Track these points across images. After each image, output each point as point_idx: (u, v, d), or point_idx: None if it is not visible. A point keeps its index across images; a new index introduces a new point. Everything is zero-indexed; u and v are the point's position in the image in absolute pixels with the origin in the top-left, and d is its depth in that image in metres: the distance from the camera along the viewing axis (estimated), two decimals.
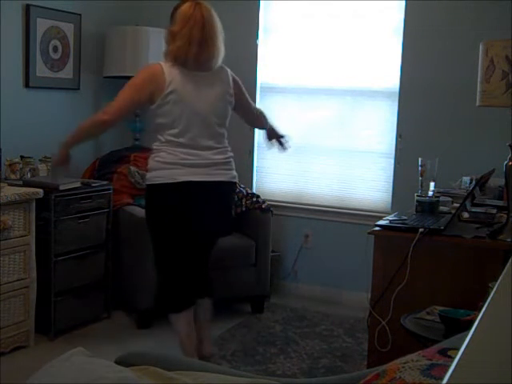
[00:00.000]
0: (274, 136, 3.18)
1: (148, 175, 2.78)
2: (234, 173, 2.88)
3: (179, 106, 2.69)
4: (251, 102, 3.07)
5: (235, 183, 2.94)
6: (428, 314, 2.26)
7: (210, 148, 2.76)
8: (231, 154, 2.89)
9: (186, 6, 2.74)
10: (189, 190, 2.71)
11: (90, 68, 4.34)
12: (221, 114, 2.82)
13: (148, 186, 2.78)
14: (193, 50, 2.69)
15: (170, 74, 2.70)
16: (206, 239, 2.92)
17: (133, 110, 2.81)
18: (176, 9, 2.79)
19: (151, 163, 2.76)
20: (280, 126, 3.20)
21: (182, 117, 2.70)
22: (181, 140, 2.71)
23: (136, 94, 2.72)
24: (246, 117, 3.08)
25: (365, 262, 2.96)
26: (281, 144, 3.19)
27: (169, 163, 2.70)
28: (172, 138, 2.71)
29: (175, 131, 2.71)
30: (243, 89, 2.96)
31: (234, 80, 2.89)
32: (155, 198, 2.77)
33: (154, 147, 2.77)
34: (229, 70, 2.89)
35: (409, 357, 1.21)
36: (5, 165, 3.54)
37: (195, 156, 2.72)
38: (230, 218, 3.03)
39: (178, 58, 2.71)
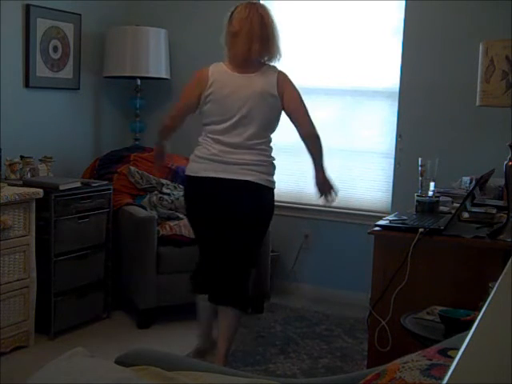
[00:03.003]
0: (325, 186, 2.93)
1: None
2: (266, 176, 2.80)
3: (218, 105, 2.80)
4: (302, 108, 2.85)
5: (266, 186, 2.81)
6: (428, 313, 2.26)
7: (246, 147, 2.79)
8: (267, 158, 2.83)
9: (241, 7, 2.83)
10: (204, 186, 2.81)
11: (90, 68, 4.35)
12: (263, 115, 2.79)
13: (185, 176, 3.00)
14: (254, 47, 2.77)
15: (214, 75, 2.82)
16: (225, 239, 2.85)
17: (188, 111, 2.94)
18: (232, 13, 2.87)
19: (191, 156, 2.93)
20: (280, 126, 3.14)
21: (221, 115, 2.80)
22: (220, 137, 2.80)
23: (186, 99, 2.91)
24: (294, 123, 2.90)
25: (365, 262, 2.96)
26: (327, 196, 2.96)
27: (200, 157, 2.83)
28: (212, 135, 2.83)
29: (213, 128, 2.82)
30: (294, 91, 2.84)
31: (282, 82, 2.82)
32: (185, 188, 3.04)
33: (198, 141, 2.91)
34: (278, 72, 2.85)
35: (409, 357, 1.21)
36: (5, 165, 3.54)
37: (227, 153, 2.78)
38: (257, 223, 2.86)
39: (242, 56, 2.79)
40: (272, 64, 2.88)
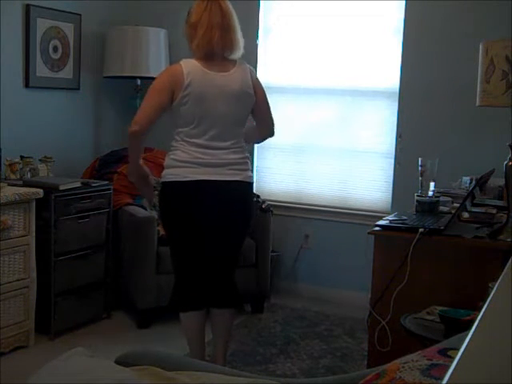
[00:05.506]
0: None
1: (163, 173, 2.78)
2: (250, 173, 2.83)
3: (197, 106, 2.67)
4: (269, 110, 2.91)
5: (251, 183, 2.86)
6: (428, 313, 2.26)
7: (226, 148, 2.74)
8: (247, 154, 2.85)
9: (199, 1, 2.73)
10: (199, 189, 2.69)
11: (90, 68, 4.34)
12: (239, 114, 2.78)
13: (162, 183, 2.79)
14: (216, 36, 2.67)
15: (190, 74, 2.66)
16: (220, 241, 2.83)
17: (159, 113, 2.71)
18: (188, 10, 2.79)
19: (166, 161, 2.76)
20: (280, 126, 3.15)
21: (200, 117, 2.69)
22: (197, 140, 2.70)
23: (158, 99, 2.68)
24: (258, 124, 2.94)
25: (365, 262, 2.96)
26: None
27: (182, 161, 2.69)
28: (189, 138, 2.70)
29: (192, 131, 2.70)
30: (264, 92, 2.87)
31: (255, 80, 2.83)
32: (168, 195, 2.77)
33: (172, 145, 2.76)
34: (250, 69, 2.84)
35: (409, 357, 1.21)
36: (5, 165, 3.54)
37: (210, 156, 2.70)
38: (248, 221, 2.89)
39: (203, 47, 2.68)
40: (237, 59, 2.79)
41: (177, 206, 2.75)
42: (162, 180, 2.77)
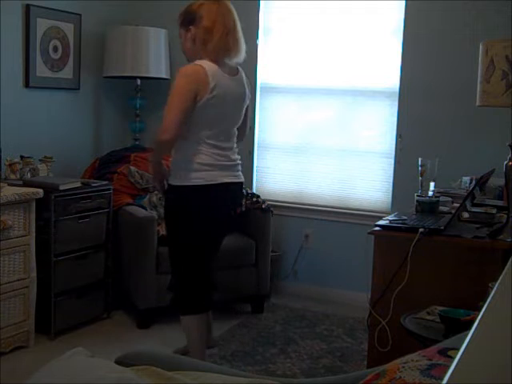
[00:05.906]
0: None
1: (183, 175, 2.73)
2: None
3: (219, 108, 2.70)
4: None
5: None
6: (428, 314, 2.26)
7: (231, 148, 2.85)
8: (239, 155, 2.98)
9: (209, 3, 2.74)
10: (220, 191, 2.76)
11: (90, 68, 4.34)
12: (241, 115, 2.89)
13: (183, 186, 2.73)
14: (231, 41, 2.73)
15: (214, 76, 2.66)
16: (221, 239, 3.01)
17: (187, 117, 2.65)
18: (189, 11, 2.77)
19: (188, 164, 2.71)
20: (280, 126, 3.19)
21: (220, 119, 2.74)
22: (214, 142, 2.73)
23: (184, 103, 2.64)
24: (240, 127, 2.96)
25: (365, 262, 2.96)
26: None
27: (207, 164, 2.71)
28: (209, 140, 2.72)
29: (210, 132, 2.72)
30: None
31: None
32: (191, 199, 2.75)
33: (190, 147, 2.72)
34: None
35: (409, 357, 1.21)
36: (5, 165, 3.54)
37: (225, 157, 2.78)
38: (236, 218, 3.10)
39: (220, 51, 2.71)
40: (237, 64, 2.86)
41: (201, 209, 2.77)
42: (186, 183, 2.72)
